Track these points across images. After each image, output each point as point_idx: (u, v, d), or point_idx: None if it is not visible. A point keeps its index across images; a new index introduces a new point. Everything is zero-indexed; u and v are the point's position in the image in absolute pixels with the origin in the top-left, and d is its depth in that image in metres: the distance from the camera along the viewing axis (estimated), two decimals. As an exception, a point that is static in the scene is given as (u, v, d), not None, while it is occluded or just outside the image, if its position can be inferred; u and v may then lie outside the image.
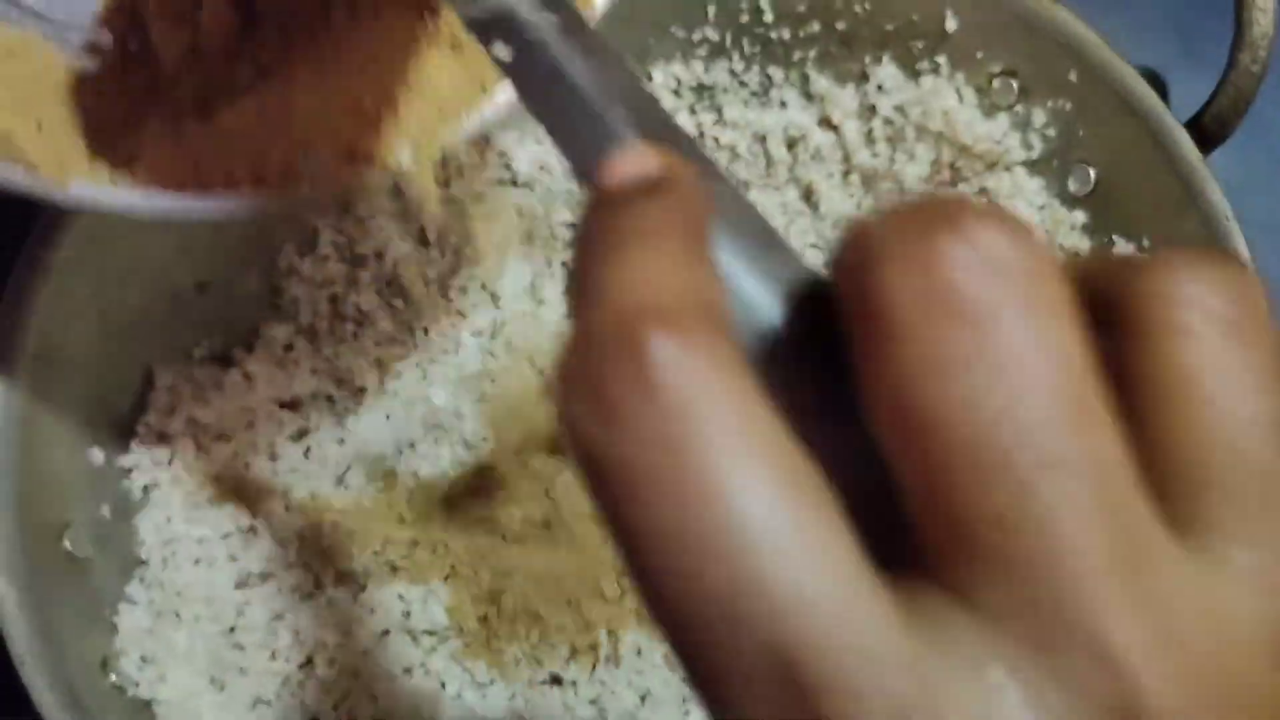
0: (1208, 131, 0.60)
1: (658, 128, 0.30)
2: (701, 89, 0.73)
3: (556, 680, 0.62)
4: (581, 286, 0.24)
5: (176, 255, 0.65)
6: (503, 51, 0.33)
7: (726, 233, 0.26)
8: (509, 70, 0.33)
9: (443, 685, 0.61)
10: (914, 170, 0.68)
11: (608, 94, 0.31)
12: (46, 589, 0.54)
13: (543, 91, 0.32)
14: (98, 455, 0.60)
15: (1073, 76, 0.63)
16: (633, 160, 0.26)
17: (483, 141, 0.73)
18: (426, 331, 0.71)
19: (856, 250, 0.23)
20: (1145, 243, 0.61)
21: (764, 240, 0.27)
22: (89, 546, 0.58)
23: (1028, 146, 0.66)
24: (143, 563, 0.60)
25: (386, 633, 0.61)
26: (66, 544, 0.57)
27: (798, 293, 0.26)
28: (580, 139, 0.30)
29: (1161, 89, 0.78)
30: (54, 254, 0.59)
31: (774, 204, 0.72)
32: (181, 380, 0.65)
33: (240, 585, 0.61)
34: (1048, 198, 0.66)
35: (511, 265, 0.73)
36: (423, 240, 0.73)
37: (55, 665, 0.51)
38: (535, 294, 0.72)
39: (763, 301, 0.26)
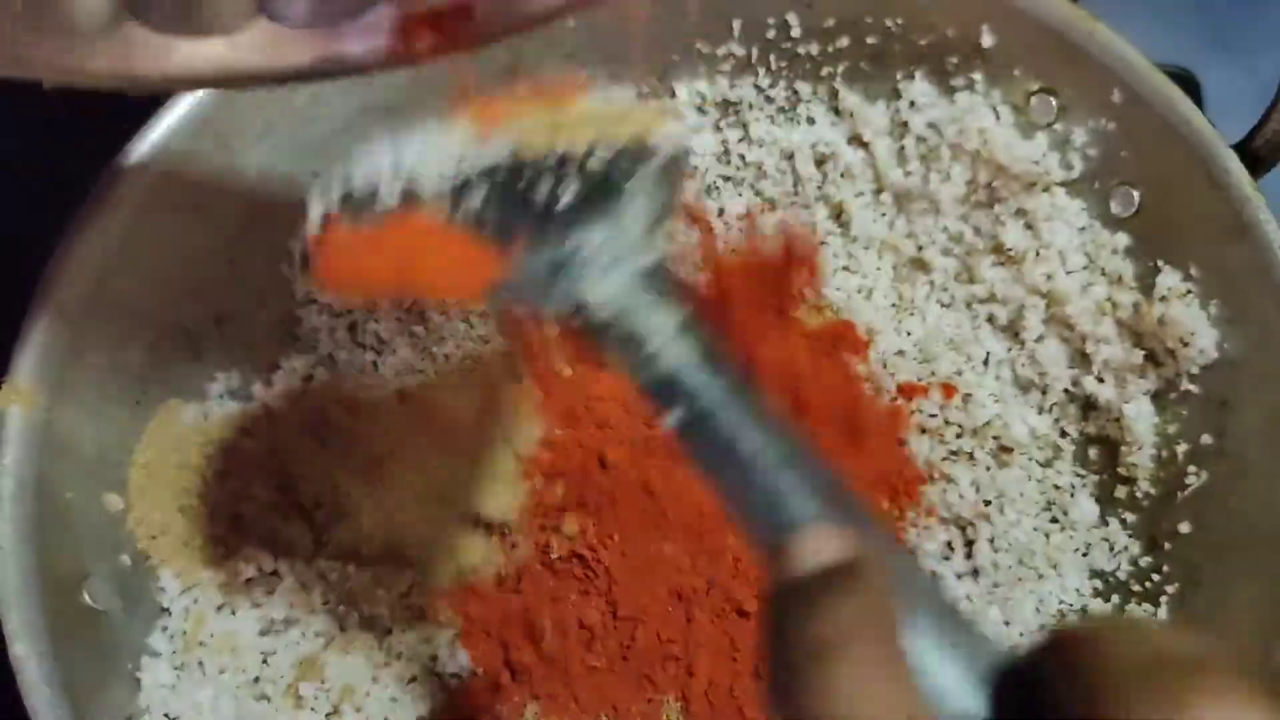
0: (1258, 156, 0.58)
1: (834, 500, 0.31)
2: (727, 105, 0.71)
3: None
4: (784, 700, 0.25)
5: (192, 289, 0.64)
6: (674, 419, 0.34)
7: (918, 619, 0.27)
8: (682, 438, 0.34)
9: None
10: (949, 191, 0.66)
11: (782, 468, 0.31)
12: (66, 647, 0.52)
13: (718, 464, 0.32)
14: (115, 502, 0.59)
15: (1115, 96, 0.61)
16: (817, 545, 0.27)
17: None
18: (447, 358, 0.70)
19: (1094, 684, 0.24)
20: (1192, 270, 0.59)
21: (952, 622, 0.28)
22: (109, 598, 0.56)
23: (1067, 167, 0.64)
24: (165, 611, 0.59)
25: (414, 679, 0.60)
26: (86, 597, 0.55)
27: (994, 679, 0.27)
28: (759, 517, 0.31)
29: (1195, 87, 0.77)
30: (66, 293, 0.57)
31: (802, 224, 0.70)
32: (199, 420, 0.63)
33: (264, 633, 0.60)
34: (1088, 219, 0.64)
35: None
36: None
37: (80, 730, 0.50)
38: (558, 318, 0.70)
39: (960, 691, 0.26)
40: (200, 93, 0.61)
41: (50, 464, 0.55)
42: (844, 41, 0.67)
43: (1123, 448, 0.62)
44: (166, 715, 0.55)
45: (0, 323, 0.57)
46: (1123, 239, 0.63)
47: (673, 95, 0.70)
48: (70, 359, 0.57)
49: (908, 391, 0.66)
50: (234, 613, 0.60)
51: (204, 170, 0.63)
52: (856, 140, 0.69)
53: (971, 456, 0.65)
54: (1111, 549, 0.62)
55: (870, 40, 0.66)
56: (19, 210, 0.67)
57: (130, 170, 0.59)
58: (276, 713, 0.58)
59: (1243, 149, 0.58)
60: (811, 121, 0.70)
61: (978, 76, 0.65)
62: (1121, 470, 0.62)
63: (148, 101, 0.60)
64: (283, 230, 0.67)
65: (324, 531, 0.61)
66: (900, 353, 0.67)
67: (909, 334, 0.68)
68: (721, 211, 0.71)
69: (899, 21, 0.65)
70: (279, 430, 0.64)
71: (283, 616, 0.60)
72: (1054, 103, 0.63)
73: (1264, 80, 0.58)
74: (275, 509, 0.62)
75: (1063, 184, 0.64)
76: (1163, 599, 0.58)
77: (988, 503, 0.64)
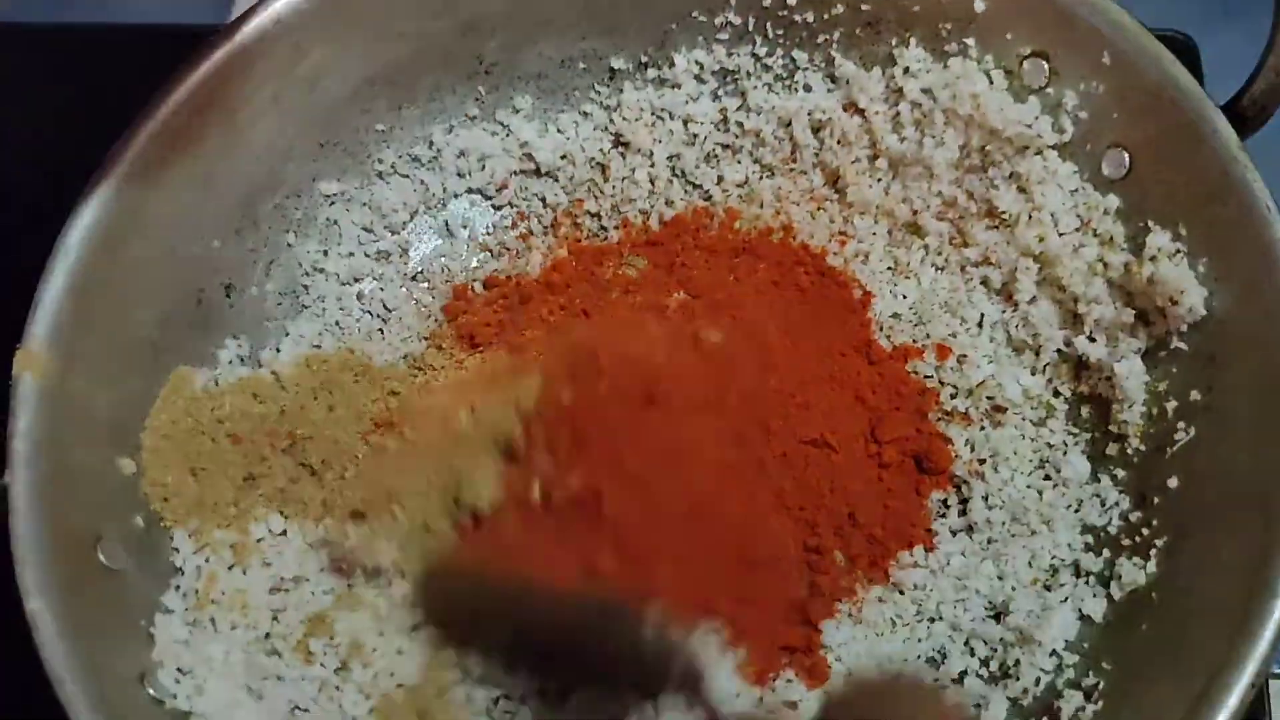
0: (1246, 115, 0.58)
1: None
2: (725, 74, 0.71)
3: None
4: None
5: (201, 258, 0.65)
6: None
7: None
8: None
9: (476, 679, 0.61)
10: (943, 155, 0.67)
11: None
12: (81, 604, 0.54)
13: None
14: (128, 464, 0.60)
15: (1106, 59, 0.61)
16: None
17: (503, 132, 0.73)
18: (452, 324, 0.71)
19: None
20: (1181, 230, 0.60)
21: None
22: (123, 557, 0.58)
23: (1059, 130, 0.64)
24: (178, 570, 0.60)
25: (417, 626, 0.61)
26: (100, 556, 0.57)
27: None
28: None
29: (1193, 54, 0.77)
30: (78, 262, 0.58)
31: (800, 190, 0.71)
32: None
33: (274, 590, 0.61)
34: (1080, 182, 0.65)
35: (534, 257, 0.72)
36: (448, 232, 0.73)
37: (93, 683, 0.51)
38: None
39: None
40: (206, 64, 0.62)
41: (64, 428, 0.57)
42: (839, 9, 0.68)
43: (1114, 405, 0.63)
44: (180, 670, 0.57)
45: (14, 292, 0.58)
46: (1114, 200, 0.63)
47: (671, 64, 0.71)
48: (82, 327, 0.58)
49: (903, 354, 0.68)
50: (245, 572, 0.61)
51: (211, 143, 0.64)
52: (852, 107, 0.70)
53: (966, 416, 0.66)
54: (1103, 504, 0.63)
55: (865, 7, 0.67)
56: (30, 181, 0.69)
57: (139, 141, 0.61)
58: (287, 667, 0.59)
59: (1231, 110, 0.59)
60: (808, 89, 0.71)
61: (970, 41, 0.66)
62: (1113, 428, 0.63)
63: (157, 73, 0.62)
64: (289, 201, 0.69)
65: (332, 492, 0.62)
66: (896, 316, 0.68)
67: (904, 297, 0.69)
68: (720, 179, 0.72)
69: (893, -12, 0.66)
70: (288, 395, 0.65)
71: (292, 575, 0.62)
72: (1046, 66, 0.64)
73: (1264, 44, 0.59)
74: (285, 472, 0.63)
75: (1055, 147, 0.65)
76: (1152, 553, 0.59)
77: (982, 461, 0.65)
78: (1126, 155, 0.63)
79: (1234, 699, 0.50)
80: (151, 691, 0.56)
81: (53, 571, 0.53)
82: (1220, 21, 0.88)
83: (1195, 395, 0.60)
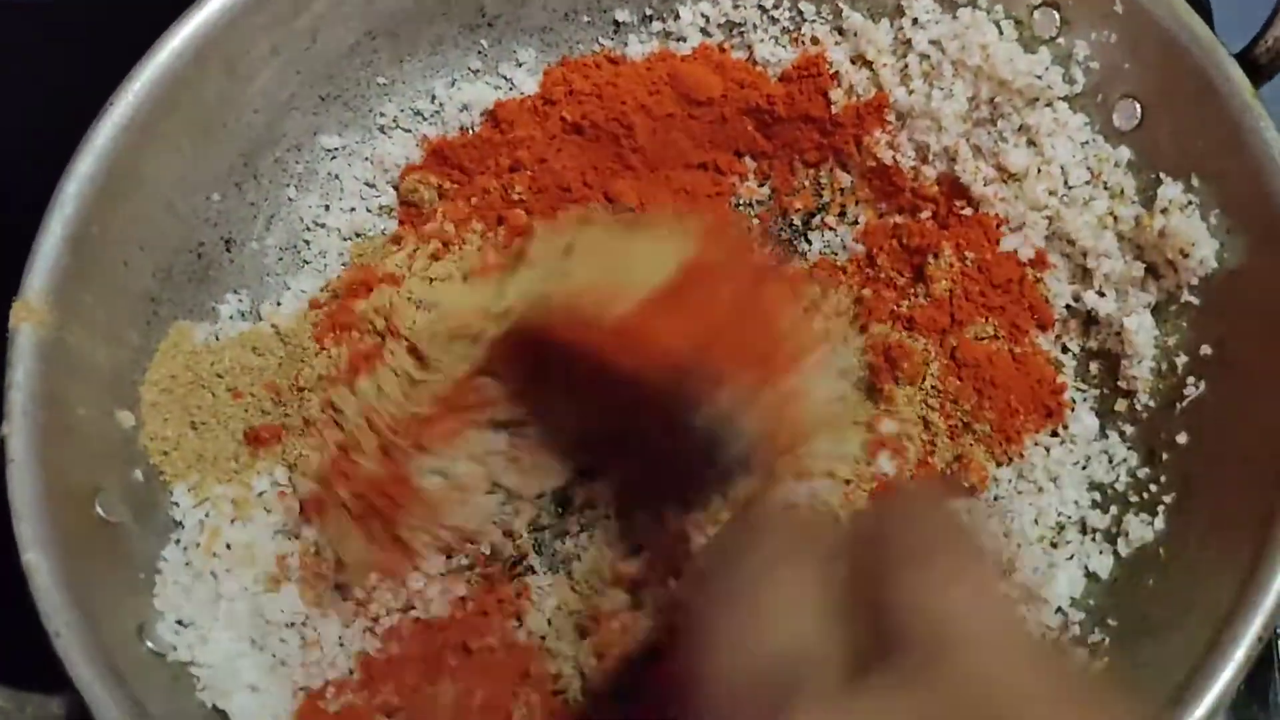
0: (1260, 64, 0.57)
1: None
2: (730, 26, 0.70)
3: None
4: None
5: (200, 212, 0.65)
6: None
7: None
8: None
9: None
10: (951, 108, 0.65)
11: None
12: (79, 556, 0.53)
13: None
14: (127, 418, 0.60)
15: (1118, 7, 0.60)
16: None
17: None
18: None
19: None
20: (1193, 181, 0.59)
21: None
22: (121, 511, 0.58)
23: (1070, 81, 0.63)
24: (178, 524, 0.60)
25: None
26: (98, 509, 0.56)
27: None
28: None
29: (1205, 2, 0.76)
30: (75, 214, 0.58)
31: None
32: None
33: (277, 535, 0.61)
34: (1091, 134, 0.64)
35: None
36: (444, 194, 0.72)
37: (91, 636, 0.51)
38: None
39: None
40: (204, 14, 0.61)
41: (62, 381, 0.56)
42: (847, -42, 0.67)
43: (1123, 361, 0.62)
44: (180, 621, 0.57)
45: (12, 244, 0.58)
46: (1125, 152, 0.62)
47: (676, 17, 0.70)
48: (80, 279, 0.58)
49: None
50: (245, 525, 0.61)
51: (210, 94, 0.63)
52: (860, 59, 0.68)
53: (974, 373, 0.65)
54: (1110, 461, 0.62)
55: (873, -44, 0.66)
56: (27, 132, 0.68)
57: (137, 93, 0.60)
58: (290, 599, 0.59)
59: (1244, 58, 0.58)
60: (815, 42, 0.69)
61: (980, -10, 0.65)
62: (1122, 384, 0.62)
63: (155, 23, 0.61)
64: (290, 155, 0.68)
65: (332, 443, 0.62)
66: (902, 272, 0.68)
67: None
68: (725, 133, 0.71)
69: (902, -63, 0.65)
70: (289, 350, 0.65)
71: (295, 523, 0.61)
72: (1057, 16, 0.63)
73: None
74: (285, 424, 0.63)
75: (1065, 98, 0.64)
76: (1160, 509, 0.59)
77: (990, 418, 0.64)
78: (1138, 106, 0.62)
79: (1241, 652, 0.50)
80: (150, 645, 0.55)
81: (50, 523, 0.53)
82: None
83: (1206, 350, 0.59)
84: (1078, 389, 0.64)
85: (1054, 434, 0.64)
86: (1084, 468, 0.63)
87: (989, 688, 0.33)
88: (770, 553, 0.40)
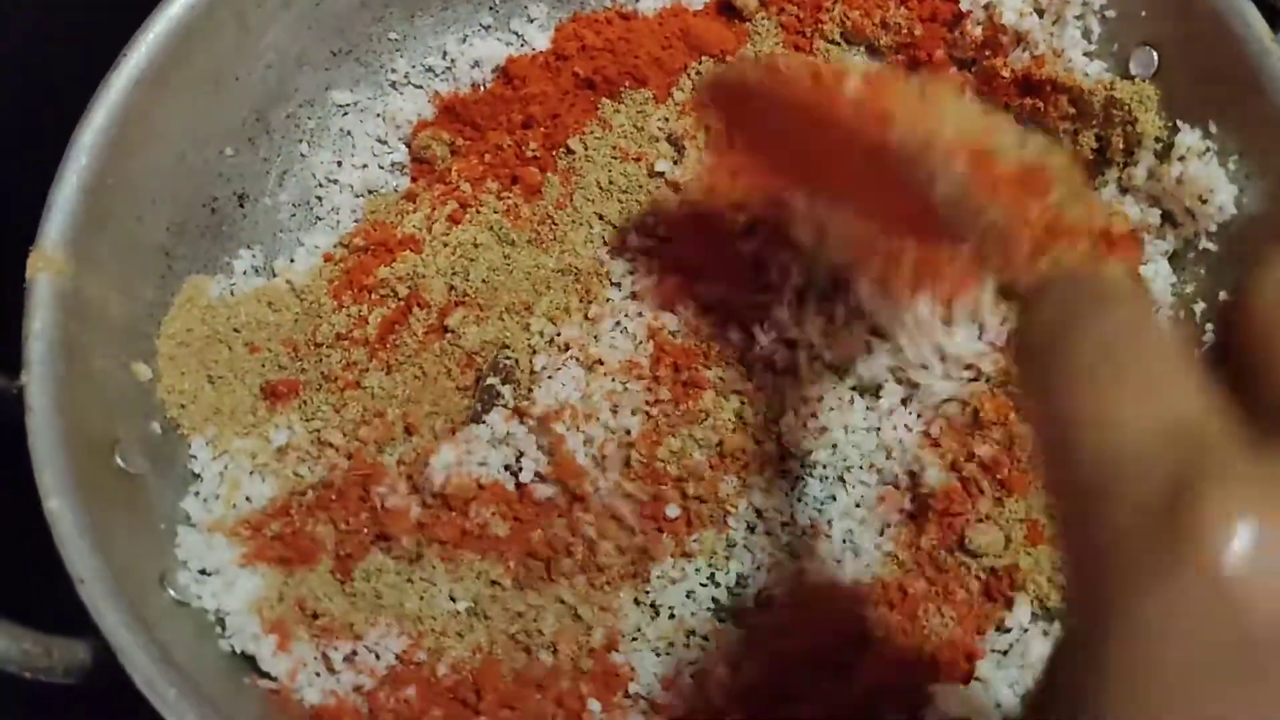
0: (1279, 8, 0.57)
1: None
2: None
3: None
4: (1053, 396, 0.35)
5: (213, 166, 0.64)
6: None
7: None
8: None
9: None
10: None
11: None
12: (99, 506, 0.53)
13: None
14: (144, 370, 0.59)
15: (1134, -46, 0.60)
16: None
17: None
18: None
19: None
20: (1211, 128, 0.59)
21: None
22: (140, 462, 0.57)
23: (1086, 31, 0.63)
24: (197, 477, 0.60)
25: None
26: (118, 460, 0.56)
27: None
28: None
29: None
30: (89, 165, 0.58)
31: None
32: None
33: (294, 493, 0.61)
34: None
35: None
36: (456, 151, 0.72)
37: (114, 584, 0.50)
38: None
39: None
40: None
41: (79, 331, 0.56)
42: (861, -90, 0.67)
43: (1140, 309, 0.62)
44: (202, 570, 0.57)
45: (29, 197, 0.57)
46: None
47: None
48: (95, 230, 0.58)
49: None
50: (264, 479, 0.61)
51: (222, 46, 0.63)
52: (872, 13, 0.68)
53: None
54: (1128, 409, 0.62)
55: (885, -91, 0.66)
56: (41, 85, 0.68)
57: (149, 45, 0.60)
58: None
59: (1263, 2, 0.58)
60: (828, -5, 0.69)
61: (995, -59, 0.64)
62: (1139, 332, 0.62)
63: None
64: (302, 110, 0.68)
65: (348, 400, 0.62)
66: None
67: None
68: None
69: (914, -112, 0.65)
70: (305, 306, 0.65)
71: (314, 479, 0.61)
72: (1072, -36, 0.63)
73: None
74: (303, 379, 0.63)
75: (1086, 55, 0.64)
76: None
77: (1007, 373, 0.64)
78: (1155, 53, 0.62)
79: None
80: (173, 593, 0.55)
81: (71, 472, 0.52)
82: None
83: (1224, 296, 0.59)
84: (1094, 339, 0.64)
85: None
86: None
87: None
88: (1128, 316, 0.36)
